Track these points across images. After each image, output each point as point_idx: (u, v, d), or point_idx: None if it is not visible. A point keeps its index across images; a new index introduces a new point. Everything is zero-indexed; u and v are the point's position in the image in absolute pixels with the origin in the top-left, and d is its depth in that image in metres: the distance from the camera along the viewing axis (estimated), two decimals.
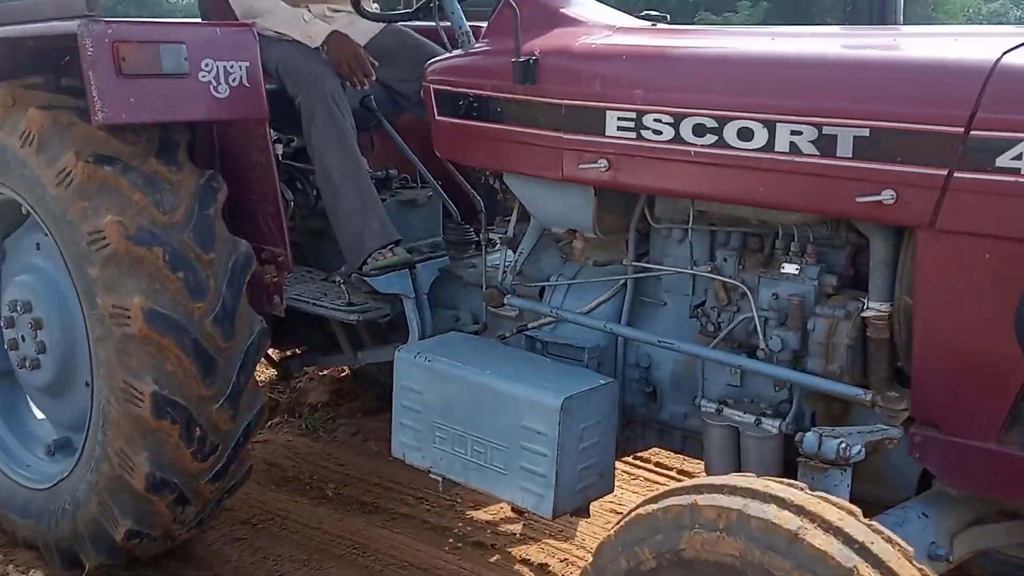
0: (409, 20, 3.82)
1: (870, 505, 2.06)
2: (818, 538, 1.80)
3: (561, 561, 3.75)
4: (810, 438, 2.26)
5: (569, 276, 3.11)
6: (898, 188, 2.16)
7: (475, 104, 3.02)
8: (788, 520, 1.83)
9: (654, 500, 2.03)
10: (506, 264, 3.26)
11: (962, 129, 2.05)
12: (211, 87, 3.17)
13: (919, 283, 2.24)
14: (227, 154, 3.49)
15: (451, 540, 3.94)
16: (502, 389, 2.74)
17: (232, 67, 3.21)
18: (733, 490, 1.91)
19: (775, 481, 1.96)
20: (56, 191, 3.13)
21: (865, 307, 2.40)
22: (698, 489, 1.96)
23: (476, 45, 3.19)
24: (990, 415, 2.19)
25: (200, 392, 3.17)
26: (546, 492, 2.64)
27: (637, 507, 2.07)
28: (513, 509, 3.14)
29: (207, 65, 3.16)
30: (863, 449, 2.26)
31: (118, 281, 3.08)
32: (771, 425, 2.55)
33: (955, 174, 2.08)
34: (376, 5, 4.00)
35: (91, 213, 3.08)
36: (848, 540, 1.81)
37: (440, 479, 2.95)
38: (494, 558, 3.81)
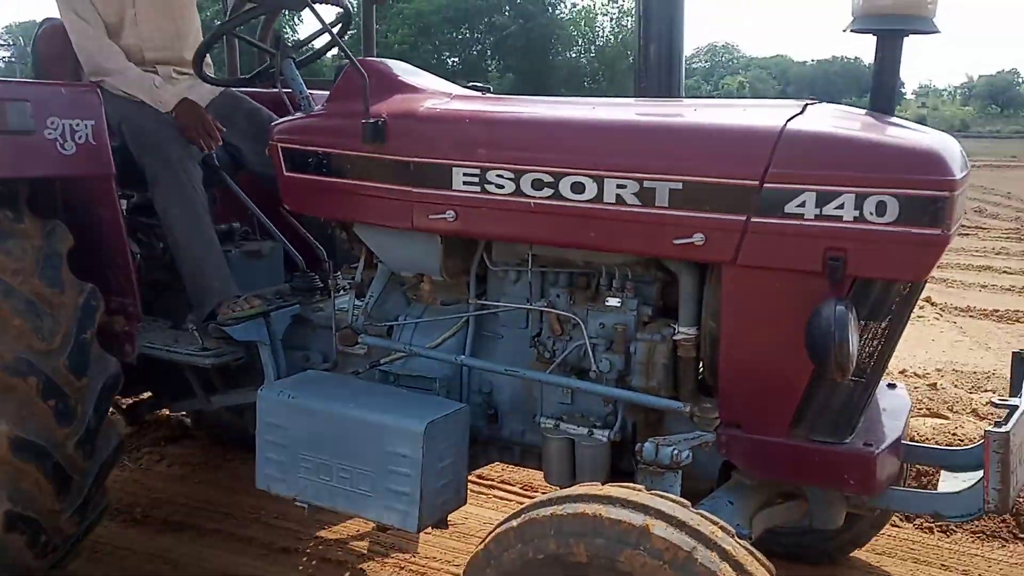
0: (246, 86, 4.01)
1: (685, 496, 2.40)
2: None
3: (358, 557, 4.03)
4: (648, 448, 2.62)
5: (415, 316, 3.34)
6: (707, 232, 2.54)
7: (325, 161, 3.18)
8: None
9: (603, 502, 2.24)
10: (355, 307, 3.46)
11: (758, 182, 2.45)
12: (57, 144, 3.24)
13: (724, 310, 2.63)
14: (72, 208, 3.51)
15: (257, 548, 4.14)
16: (367, 419, 2.92)
17: (78, 125, 3.29)
18: (681, 525, 2.15)
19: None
20: None
21: (676, 332, 2.79)
22: (646, 509, 2.19)
23: (320, 108, 3.35)
24: (782, 414, 2.61)
25: (53, 506, 3.21)
26: (411, 509, 2.85)
27: (583, 499, 2.28)
28: (378, 527, 3.32)
29: (53, 123, 3.22)
30: (691, 453, 2.64)
31: None
32: (601, 435, 2.90)
33: (752, 219, 2.48)
34: (212, 68, 4.15)
35: None
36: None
37: (306, 506, 3.08)
38: (297, 560, 4.04)
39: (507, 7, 47.21)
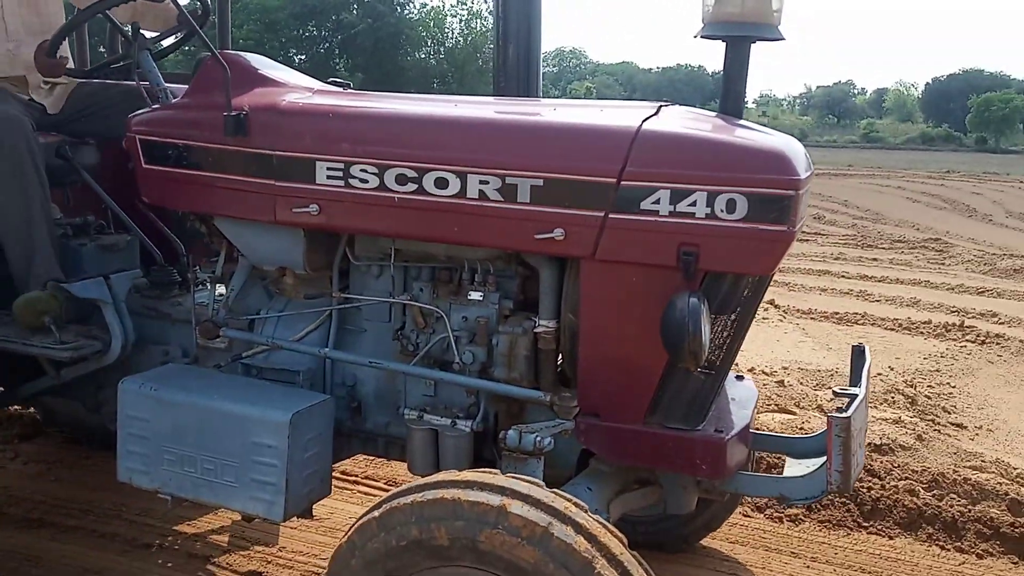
0: (101, 78, 3.98)
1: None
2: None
3: (224, 552, 4.05)
4: (512, 435, 2.71)
5: (278, 309, 3.33)
6: (567, 227, 2.63)
7: (185, 154, 3.15)
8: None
9: (462, 487, 2.31)
10: (216, 300, 3.42)
11: (615, 180, 2.55)
12: None
13: (584, 303, 2.72)
14: None
15: (120, 544, 4.11)
16: (231, 410, 2.91)
17: None
18: (537, 503, 2.25)
19: (558, 495, 2.32)
20: None
21: (537, 325, 2.87)
22: (503, 490, 2.27)
23: (179, 100, 3.31)
24: (638, 403, 2.72)
25: None
26: (276, 499, 2.85)
27: (443, 485, 2.34)
28: (243, 518, 3.25)
29: None
30: (552, 440, 2.73)
31: None
32: (464, 425, 2.96)
33: (610, 215, 2.57)
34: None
35: None
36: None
37: (168, 498, 3.05)
38: (161, 556, 4.03)
39: (355, 5, 46.90)
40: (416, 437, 3.03)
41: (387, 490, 4.57)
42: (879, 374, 7.09)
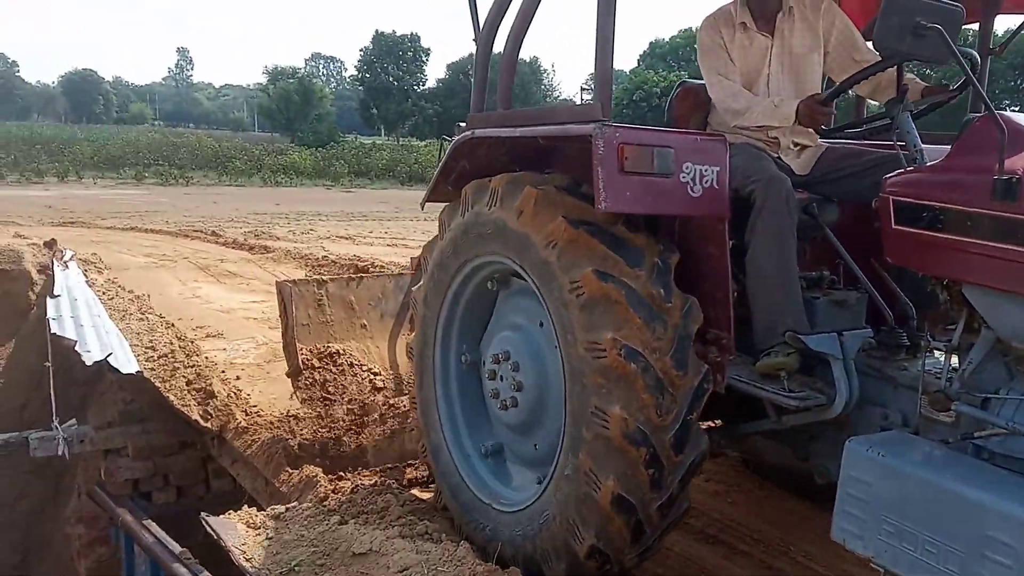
0: (857, 138, 4.17)
1: None
2: None
3: None
4: None
5: (1020, 391, 2.93)
6: None
7: (941, 216, 2.95)
8: None
9: None
10: (948, 371, 3.13)
11: None
12: (688, 187, 3.38)
13: None
14: (685, 243, 3.62)
15: None
16: (966, 495, 2.60)
17: (706, 171, 3.41)
18: None
19: None
20: (568, 296, 3.40)
21: None
22: None
23: (938, 162, 3.13)
24: None
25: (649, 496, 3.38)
26: None
27: None
28: None
29: (687, 168, 3.37)
30: None
31: (609, 392, 3.32)
32: None
33: None
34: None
35: (594, 326, 3.33)
36: None
37: (882, 570, 2.85)
38: None
39: None
40: None
41: None
42: None
